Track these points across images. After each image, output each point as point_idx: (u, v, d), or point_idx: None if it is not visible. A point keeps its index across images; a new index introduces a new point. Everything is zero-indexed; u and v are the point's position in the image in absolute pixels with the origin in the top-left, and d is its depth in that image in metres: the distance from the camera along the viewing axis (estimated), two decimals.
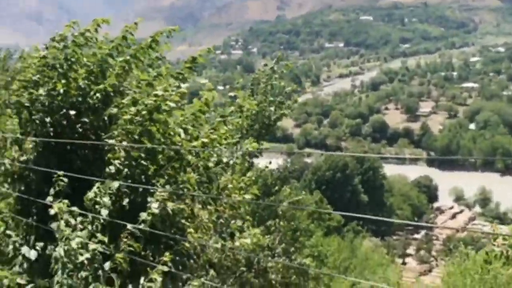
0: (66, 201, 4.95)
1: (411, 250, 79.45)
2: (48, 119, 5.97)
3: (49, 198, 5.35)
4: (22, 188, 6.12)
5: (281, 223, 10.69)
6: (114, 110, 6.11)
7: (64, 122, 6.05)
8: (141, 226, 4.67)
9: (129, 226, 4.66)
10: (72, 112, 6.00)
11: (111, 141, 5.32)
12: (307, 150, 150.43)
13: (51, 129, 5.98)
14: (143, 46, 6.32)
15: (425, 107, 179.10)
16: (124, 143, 5.45)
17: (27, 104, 6.07)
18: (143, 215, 4.76)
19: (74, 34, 6.17)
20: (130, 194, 5.22)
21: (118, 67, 6.27)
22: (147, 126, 5.43)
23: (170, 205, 4.83)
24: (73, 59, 6.15)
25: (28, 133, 6.22)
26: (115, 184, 5.16)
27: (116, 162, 5.24)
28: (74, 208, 4.91)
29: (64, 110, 6.02)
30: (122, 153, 5.24)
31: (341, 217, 40.24)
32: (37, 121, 5.96)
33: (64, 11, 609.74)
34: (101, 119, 6.15)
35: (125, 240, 4.58)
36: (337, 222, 37.07)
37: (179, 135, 5.72)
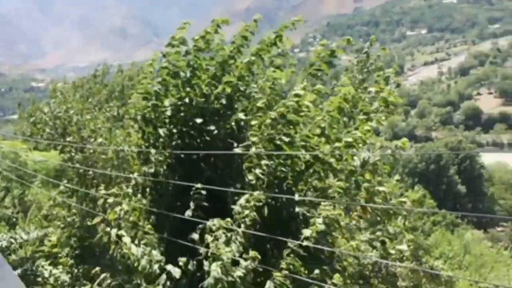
0: (217, 219, 4.58)
1: None
2: (175, 131, 5.69)
3: (188, 212, 5.05)
4: (152, 202, 5.91)
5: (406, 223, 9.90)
6: (241, 115, 5.72)
7: (191, 132, 5.74)
8: (305, 243, 4.17)
9: (290, 244, 4.19)
10: (199, 120, 5.67)
11: (253, 149, 4.89)
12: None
13: (179, 141, 5.69)
14: (267, 43, 5.88)
15: None
16: (258, 149, 5.01)
17: (151, 117, 5.83)
18: (307, 232, 4.27)
19: (194, 38, 5.84)
20: (274, 204, 4.77)
21: (241, 68, 5.88)
22: (287, 130, 4.96)
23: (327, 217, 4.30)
24: (195, 65, 5.82)
25: (152, 145, 5.99)
26: (258, 194, 4.73)
27: (258, 171, 4.80)
28: (222, 223, 4.53)
29: (191, 120, 5.71)
30: (264, 161, 4.80)
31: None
32: (163, 134, 5.69)
33: (146, 24, 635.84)
34: (228, 125, 5.78)
35: (285, 257, 4.11)
36: (442, 217, 35.07)
37: (319, 137, 5.21)
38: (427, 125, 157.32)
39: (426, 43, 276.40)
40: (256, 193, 4.73)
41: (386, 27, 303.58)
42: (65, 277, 10.02)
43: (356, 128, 5.36)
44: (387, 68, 7.44)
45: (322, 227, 4.26)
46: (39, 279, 10.35)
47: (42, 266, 10.29)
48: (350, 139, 5.11)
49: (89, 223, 9.96)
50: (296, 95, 5.03)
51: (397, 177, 5.92)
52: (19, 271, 10.07)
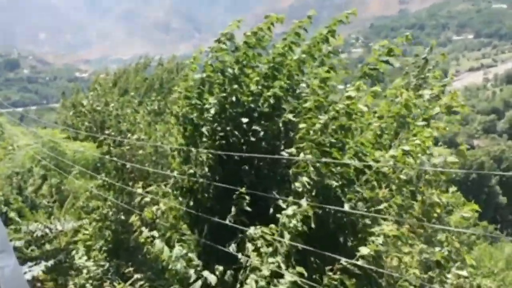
0: (261, 227, 4.26)
1: None
2: (219, 129, 5.39)
3: (230, 217, 4.76)
4: (191, 203, 5.63)
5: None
6: (290, 116, 5.37)
7: (236, 132, 5.43)
8: (360, 263, 3.79)
9: (343, 260, 3.82)
10: (244, 120, 5.35)
11: (301, 155, 4.53)
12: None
13: (223, 141, 5.38)
14: (318, 39, 5.50)
15: None
16: (308, 156, 4.65)
17: (193, 116, 5.55)
18: (365, 250, 3.88)
19: (246, 34, 5.52)
20: (321, 214, 4.41)
21: (292, 66, 5.53)
22: (338, 136, 4.58)
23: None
24: (244, 62, 5.50)
25: (194, 144, 5.71)
26: (304, 204, 4.37)
27: (304, 179, 4.44)
28: (266, 231, 4.21)
29: (236, 119, 5.40)
30: (311, 168, 4.44)
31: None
32: (206, 133, 5.40)
33: (190, 20, 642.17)
34: (275, 126, 5.44)
35: (335, 276, 3.75)
36: (482, 228, 33.66)
37: (373, 144, 4.81)
38: (469, 133, 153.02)
39: (472, 49, 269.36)
40: (303, 202, 4.37)
41: (432, 31, 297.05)
42: (97, 270, 9.91)
43: (414, 135, 4.94)
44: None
45: (383, 248, 3.86)
46: (72, 271, 10.30)
47: (77, 257, 10.22)
48: (408, 147, 4.69)
49: (123, 217, 9.86)
50: (348, 97, 4.64)
51: (453, 188, 5.46)
52: (52, 261, 10.03)
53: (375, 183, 4.84)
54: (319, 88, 5.09)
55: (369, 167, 4.82)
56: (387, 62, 5.08)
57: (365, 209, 4.67)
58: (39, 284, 10.46)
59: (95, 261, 10.11)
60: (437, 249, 4.70)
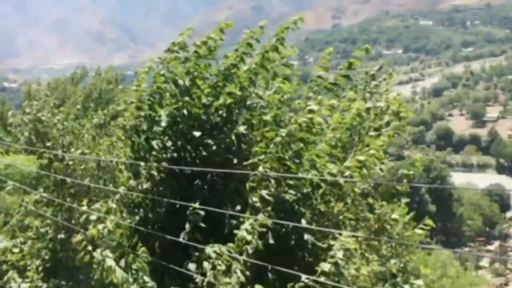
0: (218, 245, 4.10)
1: (484, 263, 75.24)
2: (169, 143, 5.20)
3: (183, 235, 4.58)
4: (140, 220, 5.39)
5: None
6: (242, 128, 5.28)
7: (188, 146, 5.27)
8: (322, 279, 3.72)
9: (304, 278, 3.73)
10: (197, 134, 5.21)
11: (260, 169, 4.43)
12: None
13: (175, 154, 5.20)
14: (268, 49, 5.43)
15: (492, 112, 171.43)
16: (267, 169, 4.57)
17: (143, 128, 5.33)
18: (325, 266, 3.81)
19: (196, 44, 5.38)
20: (279, 230, 4.33)
21: (243, 77, 5.44)
22: (298, 149, 4.53)
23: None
24: (195, 73, 5.36)
25: (143, 158, 5.48)
26: (263, 219, 4.27)
27: (264, 192, 4.35)
28: (224, 250, 4.06)
29: (188, 133, 5.24)
30: (272, 182, 4.35)
31: None
32: (157, 146, 5.19)
33: (124, 30, 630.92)
34: (227, 139, 5.32)
35: None
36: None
37: (329, 156, 4.80)
38: (400, 143, 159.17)
39: (401, 63, 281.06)
40: (260, 217, 4.28)
41: (363, 45, 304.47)
42: None
43: (367, 145, 4.98)
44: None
45: (342, 262, 3.82)
46: None
47: (12, 279, 9.59)
48: (362, 158, 4.71)
49: (63, 236, 9.37)
50: (310, 111, 4.61)
51: (405, 199, 5.55)
52: None
53: (330, 197, 4.83)
54: (278, 102, 5.02)
55: (325, 180, 4.81)
56: (347, 76, 5.12)
57: (321, 224, 4.64)
58: None
59: (31, 282, 9.54)
60: (392, 261, 4.74)
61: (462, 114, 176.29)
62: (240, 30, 5.89)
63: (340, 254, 3.83)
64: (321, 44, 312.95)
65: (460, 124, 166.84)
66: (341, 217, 4.57)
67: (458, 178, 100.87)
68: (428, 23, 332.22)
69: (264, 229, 4.10)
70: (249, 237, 4.01)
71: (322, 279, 3.71)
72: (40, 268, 9.66)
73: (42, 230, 9.42)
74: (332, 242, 4.14)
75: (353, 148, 5.43)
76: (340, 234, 4.50)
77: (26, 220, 10.50)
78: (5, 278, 9.81)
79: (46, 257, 9.58)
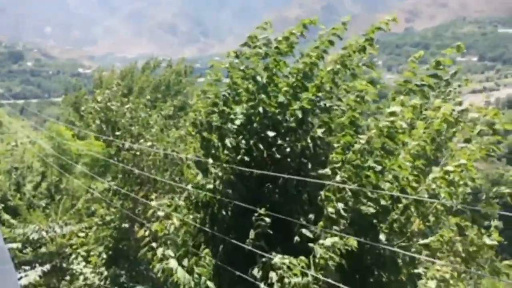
0: (286, 257, 3.82)
1: None
2: (244, 142, 4.95)
3: (249, 241, 4.32)
4: (207, 219, 5.20)
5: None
6: (319, 132, 4.95)
7: (261, 146, 5.00)
8: None
9: None
10: (271, 134, 4.93)
11: (338, 178, 4.10)
12: None
13: (247, 155, 4.95)
14: (355, 48, 5.06)
15: None
16: (344, 179, 4.22)
17: (217, 124, 5.11)
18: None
19: (277, 39, 5.10)
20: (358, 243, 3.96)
21: (323, 77, 5.11)
22: (378, 158, 4.15)
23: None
24: (274, 70, 5.08)
25: (213, 156, 5.27)
26: (346, 239, 3.92)
27: (340, 205, 4.01)
28: (295, 262, 3.77)
29: (262, 132, 4.97)
30: (349, 193, 4.01)
31: None
32: (229, 145, 4.96)
33: (196, 24, 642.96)
34: (303, 141, 5.01)
35: None
36: None
37: (409, 169, 4.39)
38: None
39: (475, 71, 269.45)
40: (336, 230, 3.95)
41: (436, 50, 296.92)
42: (95, 279, 9.45)
43: (453, 156, 4.52)
44: None
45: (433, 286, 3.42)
46: (67, 277, 9.82)
47: (76, 263, 9.75)
48: (450, 168, 4.27)
49: (127, 225, 9.42)
50: (392, 113, 4.21)
51: (496, 222, 5.00)
52: (48, 266, 9.56)
53: (411, 212, 4.43)
54: (356, 104, 4.65)
55: (405, 192, 4.41)
56: (435, 76, 4.66)
57: (402, 243, 4.25)
58: None
59: (93, 268, 9.66)
60: None
61: None
62: (311, 28, 5.55)
63: (433, 285, 3.44)
64: (391, 47, 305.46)
65: None
66: (427, 240, 4.15)
67: None
68: (508, 31, 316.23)
69: (347, 247, 3.75)
70: (327, 255, 3.68)
71: None
72: (102, 256, 9.78)
73: (107, 217, 9.51)
74: (421, 269, 3.74)
75: (437, 160, 4.98)
76: (433, 263, 4.11)
77: (92, 207, 10.69)
78: (70, 259, 10.02)
79: (110, 245, 9.67)
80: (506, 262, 4.22)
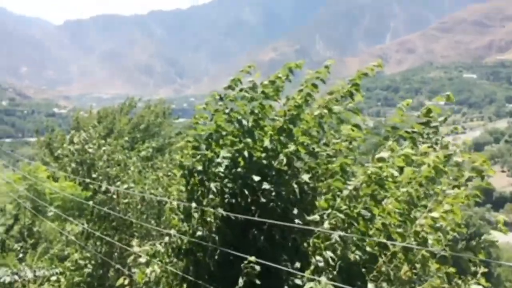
0: None
1: None
2: (230, 186, 4.87)
3: None
4: (190, 267, 5.03)
5: None
6: (306, 177, 4.90)
7: (245, 191, 4.92)
8: None
9: None
10: (256, 178, 4.85)
11: (326, 225, 4.03)
12: None
13: (233, 200, 4.86)
14: (342, 93, 5.10)
15: None
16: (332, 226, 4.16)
17: (199, 168, 5.02)
18: None
19: (263, 83, 5.10)
20: None
21: (308, 121, 5.10)
22: (367, 205, 4.12)
23: None
24: (260, 114, 5.07)
25: (196, 200, 5.15)
26: (324, 281, 3.83)
27: (329, 253, 3.93)
28: None
29: (247, 177, 4.89)
30: (338, 241, 3.93)
31: None
32: (214, 189, 4.87)
33: (171, 64, 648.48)
34: (289, 187, 4.94)
35: None
36: None
37: (397, 216, 4.36)
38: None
39: (443, 114, 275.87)
40: (323, 280, 3.84)
41: (405, 94, 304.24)
42: None
43: (440, 203, 4.51)
44: None
45: None
46: None
47: None
48: (436, 215, 4.26)
49: (101, 271, 9.10)
50: (380, 159, 4.21)
51: (483, 269, 4.98)
52: None
53: (400, 260, 4.37)
54: (347, 150, 4.64)
55: (394, 240, 4.36)
56: (427, 123, 4.72)
57: None
58: None
59: None
60: None
61: (503, 171, 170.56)
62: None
63: None
64: (362, 90, 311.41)
65: (501, 181, 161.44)
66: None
67: (498, 237, 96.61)
68: (472, 76, 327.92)
69: None
70: None
71: None
72: None
73: (81, 262, 9.19)
74: None
75: (422, 207, 4.96)
76: None
77: (66, 251, 10.32)
78: None
79: None
80: None
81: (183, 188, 5.18)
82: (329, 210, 4.18)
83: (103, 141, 10.47)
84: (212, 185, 4.81)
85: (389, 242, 4.09)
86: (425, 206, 4.75)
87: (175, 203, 5.26)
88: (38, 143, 23.05)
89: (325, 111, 4.99)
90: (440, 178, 4.85)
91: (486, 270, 4.61)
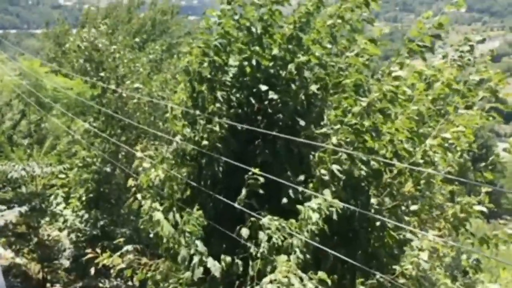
0: (279, 219, 3.73)
1: None
2: (238, 95, 4.76)
3: (239, 200, 4.22)
4: (194, 173, 5.05)
5: None
6: (314, 88, 4.77)
7: (252, 100, 4.81)
8: (402, 281, 3.30)
9: (378, 276, 3.33)
10: (264, 87, 4.72)
11: (334, 139, 3.96)
12: None
13: (239, 110, 4.76)
14: (357, 3, 4.80)
15: None
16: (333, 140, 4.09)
17: (208, 76, 4.85)
18: (409, 267, 3.37)
19: None
20: (345, 210, 3.88)
21: (320, 31, 4.86)
22: (376, 121, 4.02)
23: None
24: (269, 21, 4.82)
25: (200, 108, 5.04)
26: (328, 196, 3.84)
27: (335, 167, 3.89)
28: (284, 225, 3.70)
29: (254, 86, 4.77)
30: (344, 156, 3.89)
31: None
32: (221, 99, 4.74)
33: None
34: (296, 98, 4.81)
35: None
36: None
37: (406, 133, 4.27)
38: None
39: (463, 22, 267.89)
40: (327, 194, 3.86)
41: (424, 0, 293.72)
42: (75, 221, 9.39)
43: (452, 123, 4.41)
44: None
45: (426, 265, 3.37)
46: (47, 218, 9.73)
47: (55, 203, 9.64)
48: (448, 135, 4.18)
49: (108, 169, 9.26)
50: (396, 78, 4.05)
51: (486, 188, 4.96)
52: (26, 207, 9.44)
53: (404, 177, 4.36)
54: (362, 65, 4.45)
55: (398, 155, 4.33)
56: (438, 36, 4.48)
57: (392, 207, 4.20)
58: (11, 226, 9.92)
59: (73, 211, 9.57)
60: (463, 256, 4.28)
61: None
62: None
63: (425, 256, 3.39)
64: None
65: None
66: (416, 206, 4.10)
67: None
68: None
69: (333, 209, 3.68)
70: (314, 217, 3.60)
71: (401, 280, 3.29)
72: (83, 198, 9.67)
73: (88, 159, 9.33)
74: (410, 237, 3.69)
75: (433, 122, 4.85)
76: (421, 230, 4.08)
77: (73, 148, 10.46)
78: (50, 200, 9.89)
79: (91, 188, 9.54)
80: (495, 232, 4.21)
81: (184, 97, 5.04)
82: (338, 126, 4.09)
83: (113, 39, 10.19)
84: (219, 94, 4.69)
85: (394, 163, 4.04)
86: (436, 123, 4.64)
87: (179, 109, 5.16)
88: (45, 36, 22.64)
89: (339, 20, 4.73)
90: (455, 95, 4.71)
91: (490, 189, 4.58)
